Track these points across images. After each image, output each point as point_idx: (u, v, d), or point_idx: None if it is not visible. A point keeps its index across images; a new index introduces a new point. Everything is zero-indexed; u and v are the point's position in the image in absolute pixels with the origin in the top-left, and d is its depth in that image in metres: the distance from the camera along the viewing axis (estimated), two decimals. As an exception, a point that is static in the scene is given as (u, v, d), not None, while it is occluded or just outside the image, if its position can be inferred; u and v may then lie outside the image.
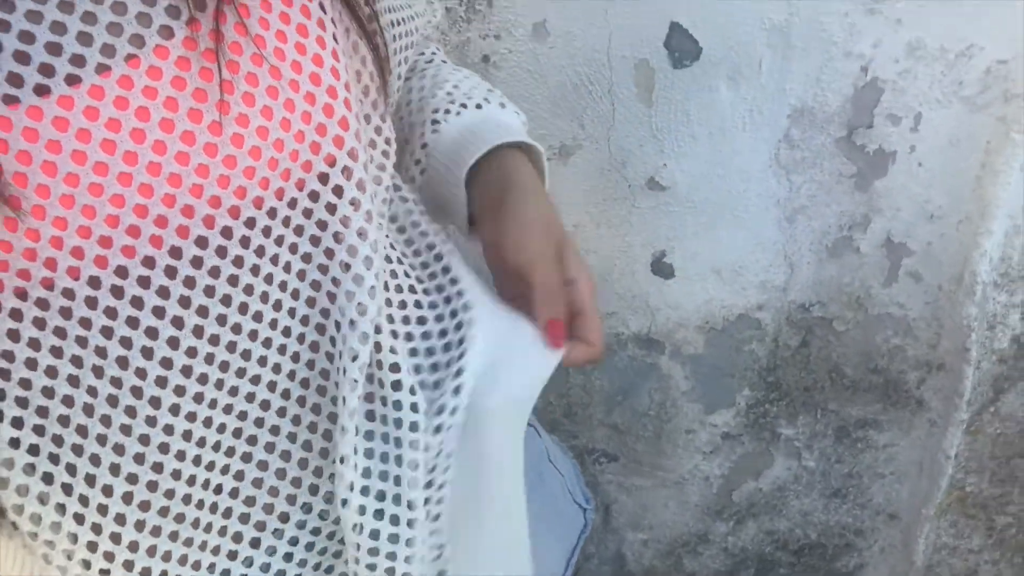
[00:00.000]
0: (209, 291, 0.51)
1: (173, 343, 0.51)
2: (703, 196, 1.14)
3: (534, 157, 0.69)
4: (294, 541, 0.60)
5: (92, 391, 0.50)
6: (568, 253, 0.65)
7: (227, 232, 0.51)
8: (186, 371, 0.51)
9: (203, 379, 0.52)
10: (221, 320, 0.52)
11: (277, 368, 0.55)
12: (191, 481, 0.54)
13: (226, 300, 0.52)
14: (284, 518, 0.59)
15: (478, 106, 0.70)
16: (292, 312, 0.55)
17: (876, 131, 1.09)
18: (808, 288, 1.21)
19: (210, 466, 0.54)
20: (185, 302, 0.51)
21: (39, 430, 0.50)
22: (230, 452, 0.55)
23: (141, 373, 0.50)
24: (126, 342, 0.50)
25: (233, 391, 0.54)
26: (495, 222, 0.64)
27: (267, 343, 0.54)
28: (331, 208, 0.54)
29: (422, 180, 0.69)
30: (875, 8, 1.01)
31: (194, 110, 0.49)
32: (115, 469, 0.52)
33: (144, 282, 0.49)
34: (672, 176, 1.13)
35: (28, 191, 0.46)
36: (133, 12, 0.48)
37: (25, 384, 0.49)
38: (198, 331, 0.51)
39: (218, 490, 0.55)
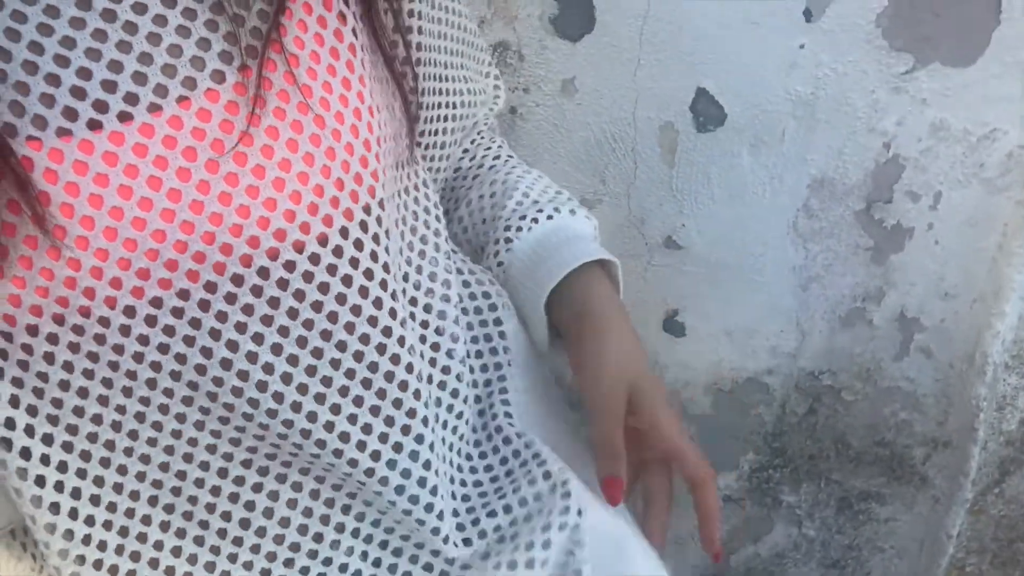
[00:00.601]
0: (240, 327, 0.52)
1: (200, 369, 0.52)
2: (719, 258, 1.15)
3: (610, 269, 0.70)
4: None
5: (120, 409, 0.52)
6: (644, 391, 0.66)
7: (264, 272, 0.52)
8: (212, 396, 0.52)
9: (229, 408, 0.53)
10: (252, 357, 0.52)
11: (312, 416, 0.54)
12: (215, 492, 0.55)
13: (258, 339, 0.52)
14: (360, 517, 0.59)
15: (549, 216, 0.71)
16: (335, 363, 0.54)
17: (895, 206, 1.10)
18: (819, 356, 1.21)
19: (239, 480, 0.55)
20: (216, 334, 0.51)
21: (68, 446, 0.52)
22: (247, 464, 0.55)
23: (168, 392, 0.52)
24: (155, 366, 0.51)
25: (264, 426, 0.54)
26: (574, 351, 0.66)
27: (302, 389, 0.54)
28: (354, 263, 0.54)
29: None
30: (901, 87, 1.02)
31: (240, 154, 0.50)
32: (141, 476, 0.53)
33: (177, 312, 0.50)
34: (690, 236, 1.14)
35: (73, 222, 0.47)
36: (188, 56, 0.50)
37: (57, 403, 0.51)
38: (226, 363, 0.52)
39: (250, 508, 0.56)
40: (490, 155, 0.76)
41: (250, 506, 0.56)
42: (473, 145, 0.77)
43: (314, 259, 0.52)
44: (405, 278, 0.60)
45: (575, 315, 0.67)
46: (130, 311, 0.50)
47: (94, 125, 0.48)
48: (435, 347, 0.62)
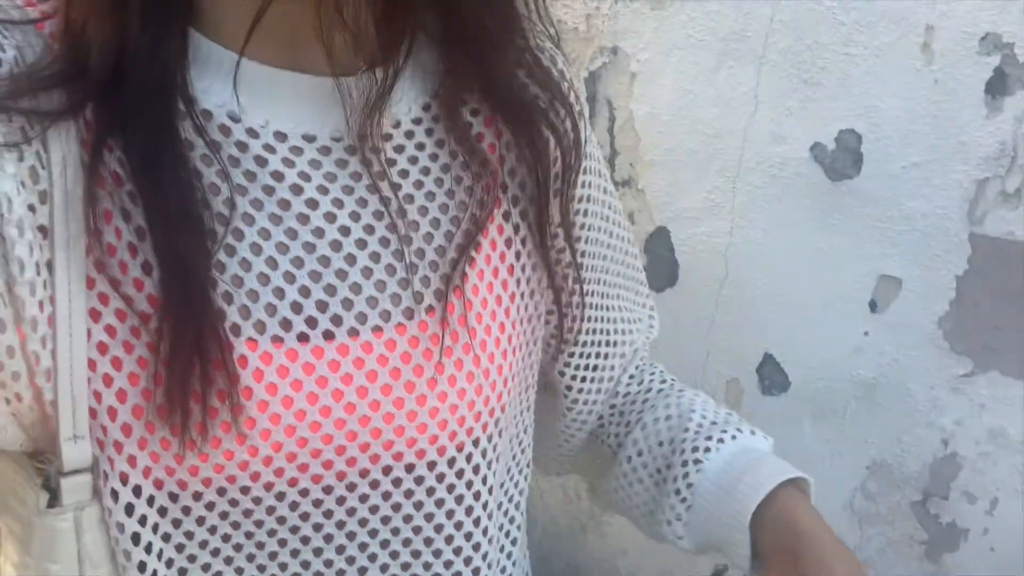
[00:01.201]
0: (363, 523, 0.60)
1: (317, 552, 0.60)
2: (774, 521, 1.18)
3: (802, 486, 0.72)
4: None
5: (239, 571, 0.58)
6: None
7: (397, 482, 0.60)
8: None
9: None
10: (372, 558, 0.61)
11: None
12: None
13: (373, 533, 0.61)
14: None
15: (734, 437, 0.74)
16: (427, 565, 0.63)
17: (951, 505, 1.12)
18: (865, 645, 1.19)
19: None
20: (341, 525, 0.60)
21: None
22: None
23: (283, 567, 0.59)
24: (282, 543, 0.58)
25: None
26: (789, 567, 0.66)
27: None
28: (468, 484, 0.63)
29: (688, 517, 0.72)
30: (960, 388, 1.07)
31: (409, 382, 0.59)
32: None
33: (317, 503, 0.58)
34: (747, 493, 1.18)
35: (264, 417, 0.54)
36: (389, 291, 0.58)
37: (191, 558, 0.58)
38: (340, 549, 0.60)
39: None
40: (656, 379, 0.80)
41: None
42: (638, 371, 0.81)
43: (440, 477, 0.61)
44: (505, 495, 0.69)
45: (790, 535, 0.67)
46: (280, 496, 0.57)
47: (302, 338, 0.55)
48: (509, 556, 0.70)
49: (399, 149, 0.60)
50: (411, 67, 0.60)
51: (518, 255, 0.65)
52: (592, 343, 0.74)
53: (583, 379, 0.75)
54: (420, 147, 0.61)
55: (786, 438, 1.15)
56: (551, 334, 0.72)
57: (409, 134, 0.61)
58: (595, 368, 0.75)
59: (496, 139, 0.64)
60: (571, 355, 0.73)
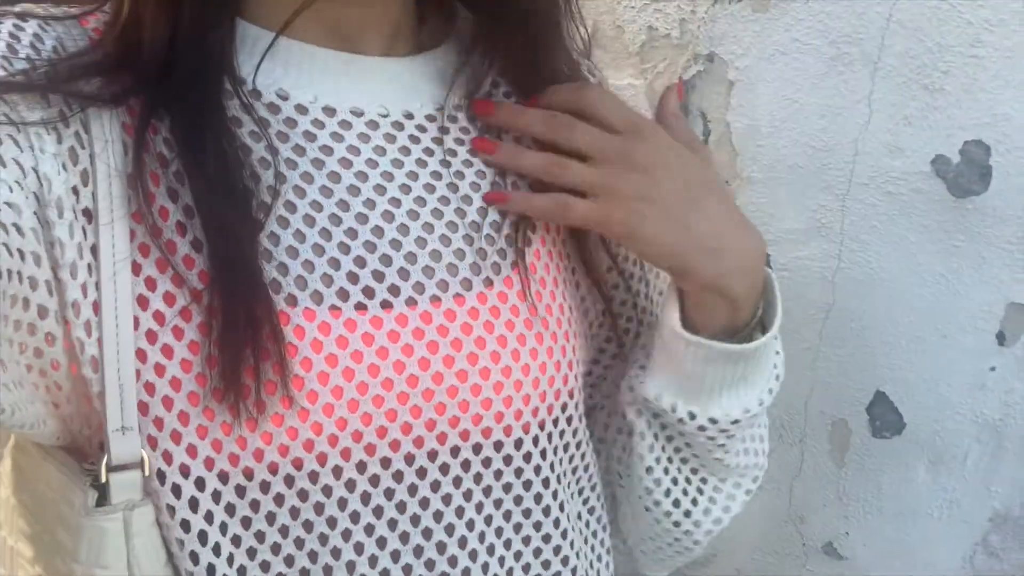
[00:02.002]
0: (424, 503, 0.57)
1: (381, 543, 0.56)
2: (883, 580, 1.07)
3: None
4: None
5: (304, 573, 0.55)
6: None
7: (466, 464, 0.58)
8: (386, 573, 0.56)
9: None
10: (427, 534, 0.57)
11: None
12: None
13: (438, 516, 0.57)
14: None
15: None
16: (501, 560, 0.59)
17: (1090, 564, 1.00)
18: None
19: None
20: (402, 507, 0.56)
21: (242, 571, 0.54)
22: None
23: (351, 566, 0.55)
24: (346, 533, 0.55)
25: None
26: None
27: (452, 561, 0.58)
28: (537, 469, 0.61)
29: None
30: (1101, 431, 0.96)
31: (472, 354, 0.57)
32: None
33: (351, 485, 0.55)
34: (852, 547, 1.07)
35: (325, 389, 0.53)
36: (445, 262, 0.58)
37: (251, 552, 0.54)
38: (404, 537, 0.56)
39: None
40: None
41: None
42: None
43: (507, 459, 0.59)
44: (578, 491, 0.66)
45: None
46: (351, 484, 0.54)
47: (360, 307, 0.55)
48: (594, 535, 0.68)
49: (444, 130, 0.61)
50: (455, 53, 0.64)
51: (563, 253, 0.66)
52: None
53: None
54: (465, 131, 0.62)
55: (898, 485, 1.04)
56: (605, 337, 0.72)
57: (452, 117, 0.62)
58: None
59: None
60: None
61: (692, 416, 0.64)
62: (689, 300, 0.63)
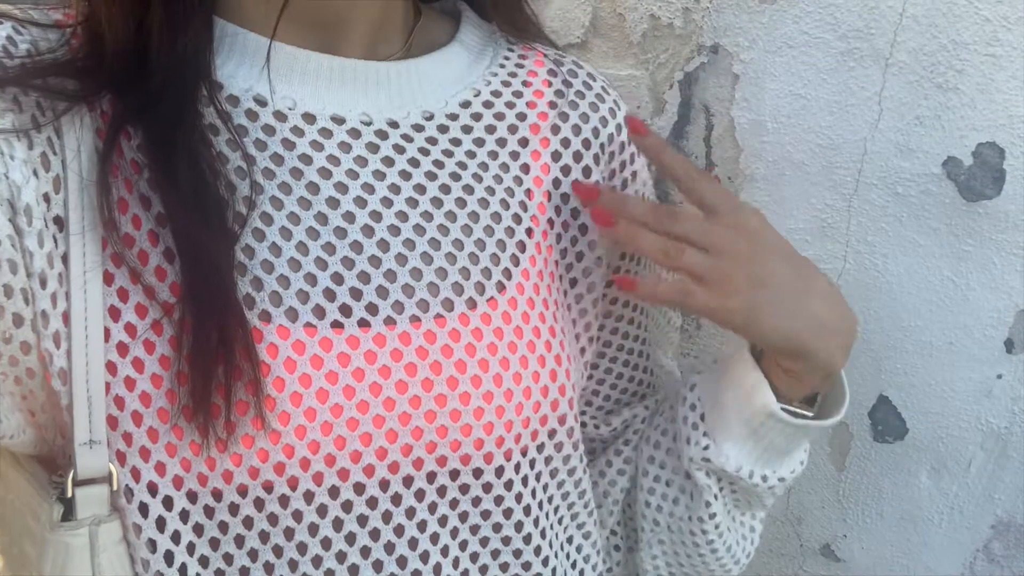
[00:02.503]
0: (399, 530, 0.55)
1: (353, 571, 0.54)
2: (881, 583, 1.05)
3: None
4: None
5: None
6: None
7: (442, 490, 0.56)
8: None
9: None
10: (401, 563, 0.55)
11: None
12: None
13: (412, 543, 0.55)
14: None
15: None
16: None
17: (1093, 574, 0.97)
18: None
19: None
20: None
21: None
22: None
23: None
24: (316, 560, 0.53)
25: None
26: None
27: None
28: (518, 498, 0.59)
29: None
30: (1110, 442, 0.93)
31: (452, 378, 0.55)
32: None
33: (322, 511, 0.53)
34: (850, 550, 1.05)
35: (298, 411, 0.51)
36: (426, 281, 0.56)
37: (219, 573, 0.53)
38: (377, 565, 0.55)
39: None
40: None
41: None
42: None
43: (487, 487, 0.57)
44: (571, 516, 0.65)
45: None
46: (322, 510, 0.53)
47: (336, 326, 0.52)
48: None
49: (431, 141, 0.59)
50: (450, 62, 0.61)
51: (569, 267, 0.64)
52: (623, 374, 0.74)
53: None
54: (455, 142, 0.59)
55: (900, 490, 1.02)
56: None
57: (442, 128, 0.59)
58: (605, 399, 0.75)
59: (549, 108, 0.63)
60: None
61: (765, 479, 0.66)
62: (778, 373, 0.62)
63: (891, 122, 0.90)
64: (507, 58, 0.65)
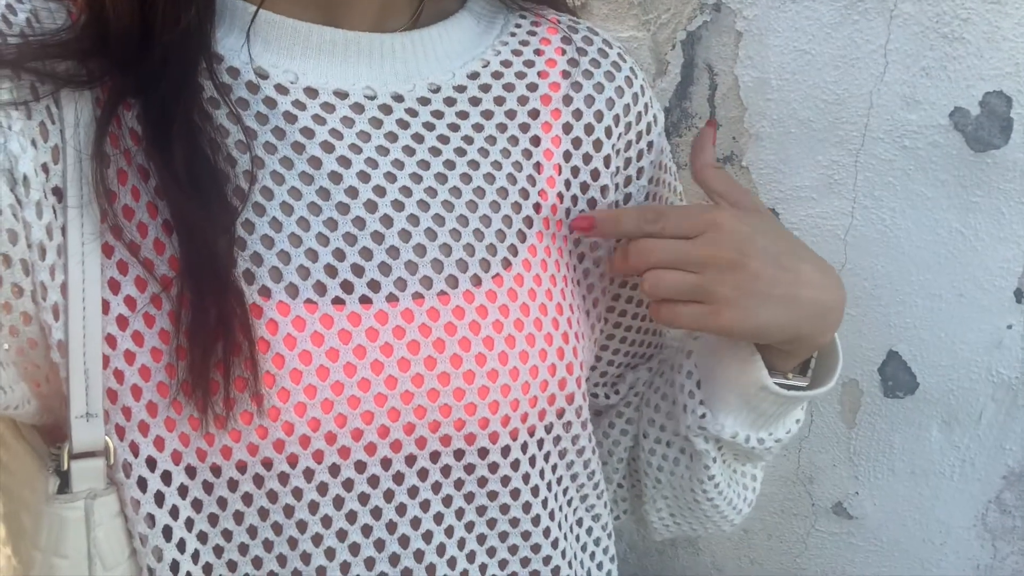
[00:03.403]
0: (401, 509, 0.54)
1: (354, 549, 0.53)
2: (893, 538, 1.05)
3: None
4: None
5: (257, 562, 0.53)
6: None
7: (446, 470, 0.55)
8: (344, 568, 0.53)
9: None
10: (404, 542, 0.54)
11: None
12: None
13: (415, 523, 0.54)
14: None
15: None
16: (482, 569, 0.57)
17: (1105, 520, 0.98)
18: (998, 676, 1.06)
19: None
20: (377, 513, 0.53)
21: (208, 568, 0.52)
22: None
23: (321, 572, 0.53)
24: (317, 538, 0.52)
25: None
26: None
27: (431, 570, 0.55)
28: (525, 478, 0.58)
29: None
30: (1120, 388, 0.94)
31: (455, 355, 0.54)
32: None
33: (322, 489, 0.52)
34: (862, 507, 1.05)
35: (298, 388, 0.50)
36: (430, 257, 0.54)
37: (218, 550, 0.52)
38: (379, 544, 0.54)
39: None
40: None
41: None
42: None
43: (493, 467, 0.56)
44: (580, 497, 0.64)
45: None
46: (323, 488, 0.52)
47: (337, 302, 0.51)
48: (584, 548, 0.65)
49: (437, 114, 0.58)
50: (459, 32, 0.60)
51: (577, 241, 0.63)
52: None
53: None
54: (462, 115, 0.58)
55: (911, 444, 1.02)
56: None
57: (449, 100, 0.58)
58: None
59: (562, 78, 0.63)
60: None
61: (761, 441, 0.66)
62: (771, 347, 0.62)
63: (897, 74, 0.89)
64: (519, 26, 0.64)
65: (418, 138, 0.56)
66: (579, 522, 0.64)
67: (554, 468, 0.59)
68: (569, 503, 0.62)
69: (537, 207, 0.59)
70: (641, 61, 0.97)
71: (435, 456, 0.54)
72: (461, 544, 0.56)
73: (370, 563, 0.53)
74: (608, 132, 0.63)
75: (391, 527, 0.53)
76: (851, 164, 0.93)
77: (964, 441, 1.00)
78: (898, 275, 0.96)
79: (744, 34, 0.93)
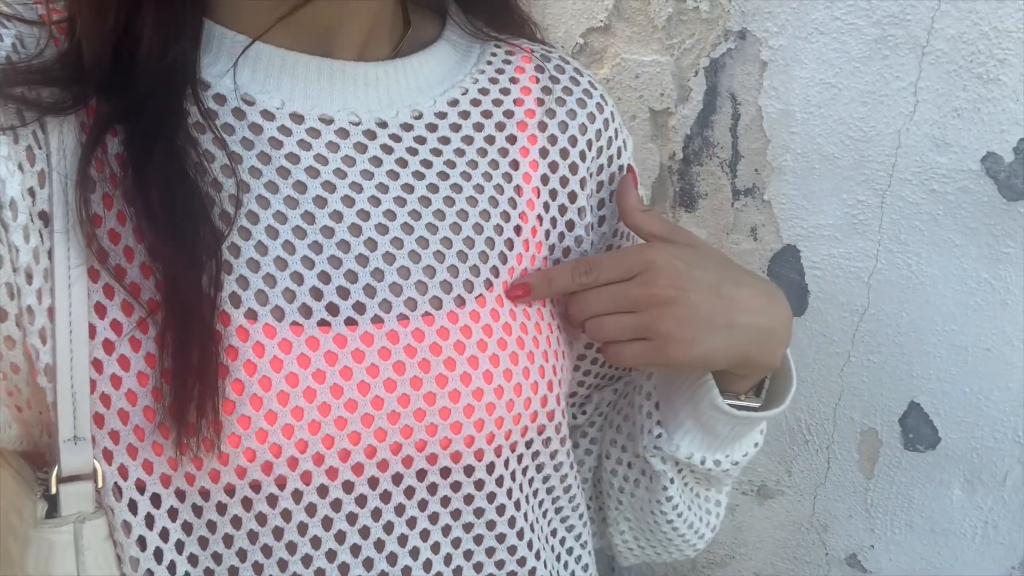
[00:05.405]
0: (389, 527, 0.55)
1: (344, 569, 0.54)
2: (910, 597, 1.01)
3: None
4: None
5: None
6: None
7: (432, 488, 0.55)
8: None
9: None
10: (391, 559, 0.55)
11: None
12: None
13: (402, 540, 0.55)
14: None
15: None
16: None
17: None
18: None
19: None
20: (366, 532, 0.54)
21: None
22: None
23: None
24: (307, 559, 0.53)
25: None
26: None
27: None
28: (509, 493, 0.59)
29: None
30: None
31: (441, 375, 0.54)
32: None
33: (311, 510, 0.52)
34: (877, 561, 1.01)
35: (285, 410, 0.50)
36: (414, 279, 0.55)
37: (208, 572, 0.52)
38: (367, 563, 0.54)
39: None
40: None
41: None
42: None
43: (478, 484, 0.56)
44: (555, 510, 0.65)
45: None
46: (312, 509, 0.52)
47: (323, 324, 0.52)
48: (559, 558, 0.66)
49: (420, 140, 0.59)
50: (438, 61, 0.61)
51: (556, 263, 0.63)
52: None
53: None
54: (444, 140, 0.59)
55: (931, 501, 0.97)
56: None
57: (431, 127, 0.59)
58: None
59: (536, 106, 0.64)
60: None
61: (718, 463, 0.67)
62: (726, 373, 0.63)
63: (927, 114, 0.85)
64: (494, 55, 0.65)
65: (402, 163, 0.57)
66: (553, 533, 0.65)
67: (532, 481, 0.61)
68: (544, 515, 0.63)
69: (518, 229, 0.60)
70: (663, 86, 0.95)
71: (421, 475, 0.54)
72: (447, 560, 0.56)
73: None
74: (583, 156, 0.65)
75: (379, 545, 0.54)
76: (877, 205, 0.89)
77: (987, 502, 0.95)
78: (923, 323, 0.91)
79: (769, 64, 0.89)
